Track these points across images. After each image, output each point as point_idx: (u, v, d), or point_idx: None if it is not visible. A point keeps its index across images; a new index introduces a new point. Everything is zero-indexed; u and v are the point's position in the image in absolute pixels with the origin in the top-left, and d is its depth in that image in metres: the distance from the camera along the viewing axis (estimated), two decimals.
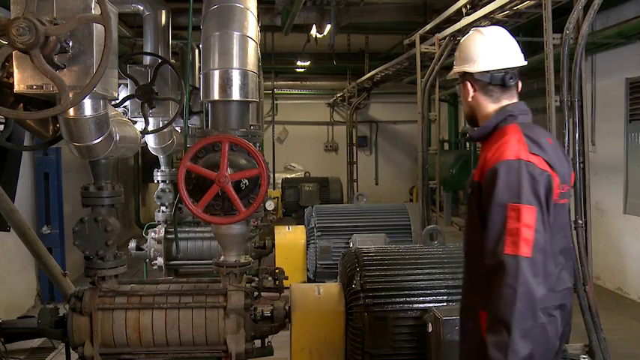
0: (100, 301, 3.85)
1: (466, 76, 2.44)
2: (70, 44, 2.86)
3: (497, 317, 2.04)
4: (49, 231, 7.42)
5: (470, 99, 2.45)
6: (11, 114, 3.33)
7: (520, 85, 2.48)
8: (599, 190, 5.64)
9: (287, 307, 3.95)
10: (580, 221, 4.07)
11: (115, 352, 3.93)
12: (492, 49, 2.41)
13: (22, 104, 3.50)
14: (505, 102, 2.41)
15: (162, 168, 7.97)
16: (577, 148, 4.17)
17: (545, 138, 2.32)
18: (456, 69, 2.50)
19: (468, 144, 14.12)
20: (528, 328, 2.01)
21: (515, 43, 2.48)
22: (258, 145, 3.82)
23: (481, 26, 2.84)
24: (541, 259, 2.06)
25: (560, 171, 2.26)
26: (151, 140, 7.05)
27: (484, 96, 2.42)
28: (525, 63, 2.46)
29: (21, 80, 2.84)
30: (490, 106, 2.41)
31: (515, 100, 2.44)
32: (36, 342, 5.77)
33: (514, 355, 1.99)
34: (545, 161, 2.19)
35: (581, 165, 4.19)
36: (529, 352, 2.01)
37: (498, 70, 2.38)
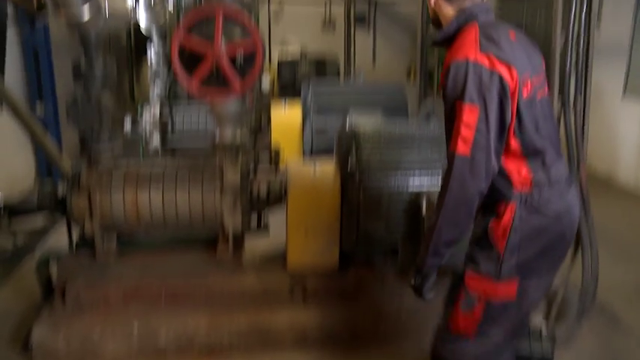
0: (98, 179, 3.87)
1: None
2: None
3: (436, 203, 2.25)
4: (43, 110, 7.32)
5: (432, 3, 2.44)
6: None
7: None
8: (599, 73, 5.58)
9: (283, 185, 3.98)
10: (579, 102, 4.01)
11: (115, 229, 4.01)
12: None
13: None
14: (467, 3, 2.37)
15: (156, 44, 7.74)
16: (582, 26, 4.03)
17: (506, 33, 2.29)
18: None
19: None
20: (455, 219, 2.19)
21: None
22: (252, 18, 3.68)
23: None
24: (482, 159, 2.13)
25: (525, 64, 2.25)
26: (142, 18, 6.80)
27: (445, 1, 2.40)
28: None
29: None
30: (450, 9, 2.38)
31: (478, 0, 2.40)
32: (38, 220, 5.85)
33: (437, 237, 2.23)
34: (498, 58, 2.17)
35: (585, 45, 4.07)
36: (453, 238, 2.24)
37: None
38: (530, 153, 2.25)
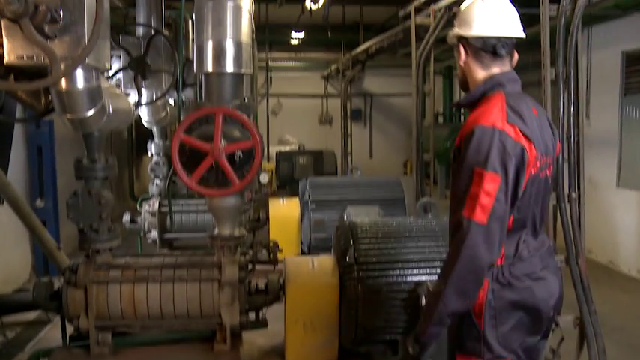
0: (95, 275, 3.86)
1: (461, 39, 2.47)
2: (61, 14, 2.82)
3: (443, 270, 2.20)
4: (43, 204, 7.40)
5: (462, 63, 2.48)
6: (1, 85, 3.28)
7: (516, 56, 2.48)
8: (592, 163, 5.79)
9: (281, 280, 3.96)
10: (573, 194, 4.08)
11: (110, 325, 3.95)
12: (488, 16, 2.42)
13: (13, 75, 3.46)
14: (495, 70, 2.42)
15: (156, 141, 7.91)
16: (571, 121, 4.16)
17: (530, 108, 2.33)
18: (453, 32, 2.52)
19: (462, 117, 14.11)
20: (465, 288, 2.13)
21: (515, 14, 2.49)
22: (251, 116, 3.80)
23: None
24: (497, 229, 2.11)
25: (540, 143, 2.28)
26: (144, 113, 6.99)
27: (475, 61, 2.43)
28: (523, 36, 2.45)
29: (11, 50, 2.80)
30: (480, 73, 2.42)
31: (507, 69, 2.45)
32: (31, 315, 5.79)
33: (444, 306, 2.14)
34: (522, 132, 2.21)
35: (576, 139, 4.18)
36: (459, 308, 2.16)
37: (491, 38, 2.39)
38: (516, 228, 2.26)
